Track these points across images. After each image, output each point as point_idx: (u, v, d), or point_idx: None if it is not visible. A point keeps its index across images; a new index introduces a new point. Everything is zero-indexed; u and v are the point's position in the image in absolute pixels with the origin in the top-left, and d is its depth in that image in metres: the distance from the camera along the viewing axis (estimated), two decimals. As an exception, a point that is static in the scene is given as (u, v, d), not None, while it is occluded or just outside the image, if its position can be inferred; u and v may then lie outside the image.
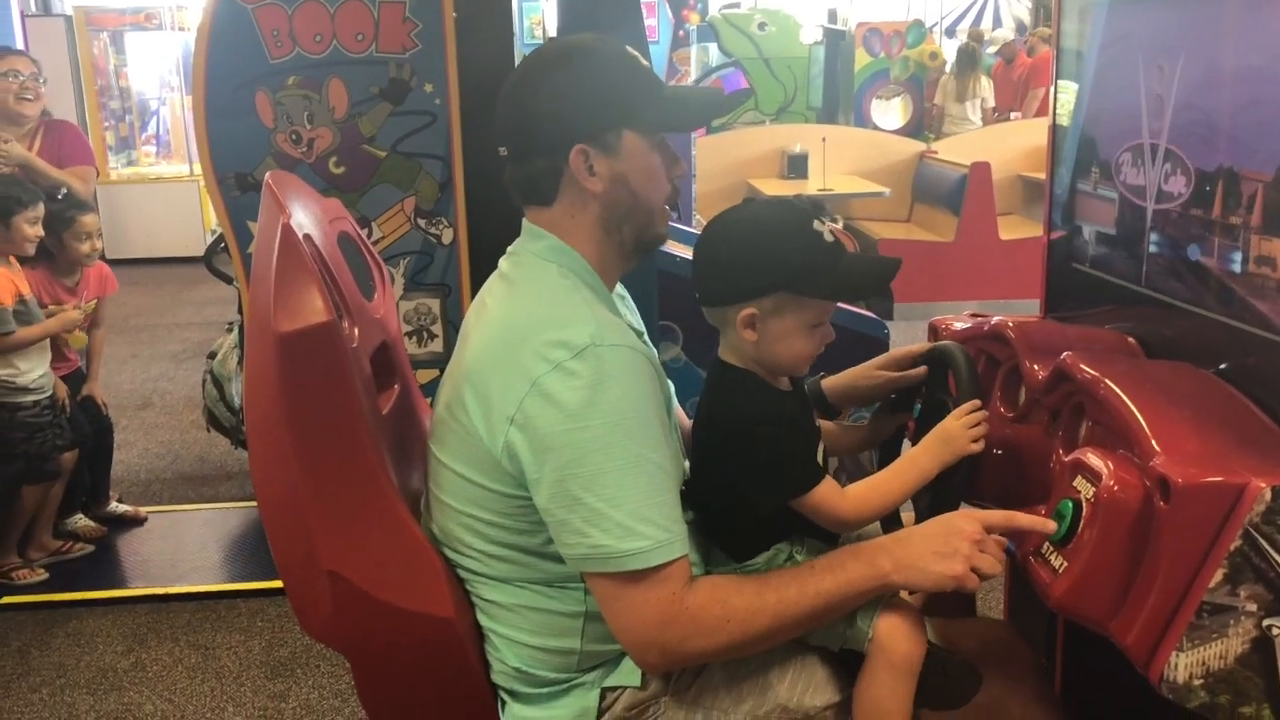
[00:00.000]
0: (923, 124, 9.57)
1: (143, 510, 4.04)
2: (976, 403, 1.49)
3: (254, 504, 3.87)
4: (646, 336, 1.61)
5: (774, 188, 7.09)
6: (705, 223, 1.52)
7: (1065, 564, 1.33)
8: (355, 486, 1.44)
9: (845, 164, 7.52)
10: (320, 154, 3.24)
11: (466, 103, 3.25)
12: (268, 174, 1.56)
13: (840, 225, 1.69)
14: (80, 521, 3.81)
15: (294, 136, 3.22)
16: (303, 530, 1.45)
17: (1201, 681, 1.24)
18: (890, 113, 9.91)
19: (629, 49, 1.47)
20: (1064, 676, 1.91)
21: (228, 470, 4.53)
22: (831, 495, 1.42)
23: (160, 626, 3.32)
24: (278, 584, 3.48)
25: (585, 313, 1.38)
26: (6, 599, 3.43)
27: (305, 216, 1.53)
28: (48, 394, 3.51)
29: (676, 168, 1.50)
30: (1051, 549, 1.37)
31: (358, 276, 1.67)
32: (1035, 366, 1.66)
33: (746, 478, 1.44)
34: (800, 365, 1.49)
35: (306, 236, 1.47)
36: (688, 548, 1.36)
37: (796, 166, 7.41)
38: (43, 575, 3.57)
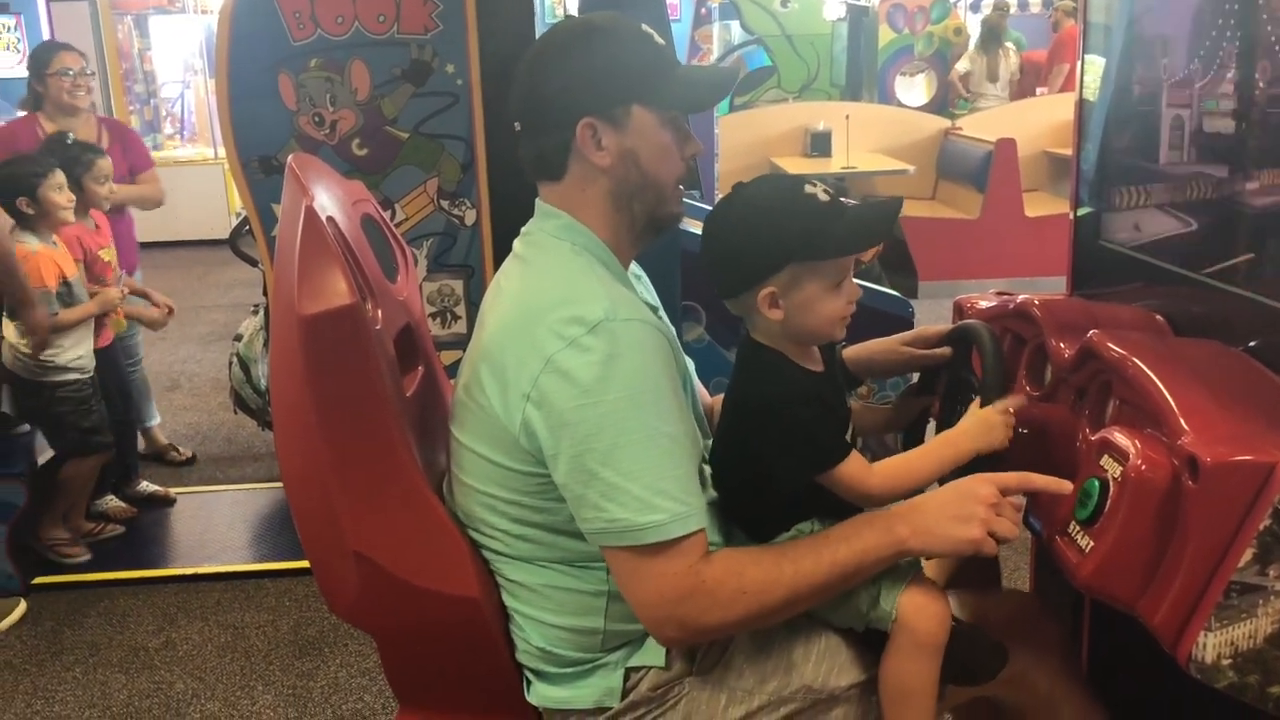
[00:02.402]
0: (947, 100, 9.48)
1: (172, 491, 4.08)
2: (1015, 400, 1.48)
3: (280, 485, 3.92)
4: (663, 313, 1.61)
5: (797, 166, 7.05)
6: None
7: (1092, 544, 1.32)
8: (380, 468, 1.44)
9: (869, 141, 7.47)
10: (343, 136, 3.25)
11: (488, 84, 3.25)
12: (290, 157, 1.56)
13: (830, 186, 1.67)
14: (111, 502, 3.86)
15: (317, 119, 3.23)
16: (328, 512, 1.46)
17: (1230, 661, 1.23)
18: (914, 89, 9.82)
19: (644, 27, 1.46)
20: (1091, 650, 1.90)
21: (254, 452, 4.57)
22: (859, 470, 1.41)
23: (190, 606, 3.36)
24: (305, 564, 3.50)
25: (599, 289, 1.39)
26: (40, 579, 3.48)
27: (328, 199, 1.53)
28: (89, 374, 3.52)
29: (690, 146, 1.48)
30: (1078, 528, 1.36)
31: (381, 258, 1.68)
32: (1062, 345, 1.65)
33: (774, 453, 1.43)
34: (835, 328, 1.47)
35: (330, 219, 1.47)
36: (705, 521, 1.36)
37: (819, 144, 7.36)
38: (87, 555, 3.61)
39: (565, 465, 1.34)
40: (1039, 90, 8.94)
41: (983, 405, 1.50)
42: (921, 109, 9.07)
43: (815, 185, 1.42)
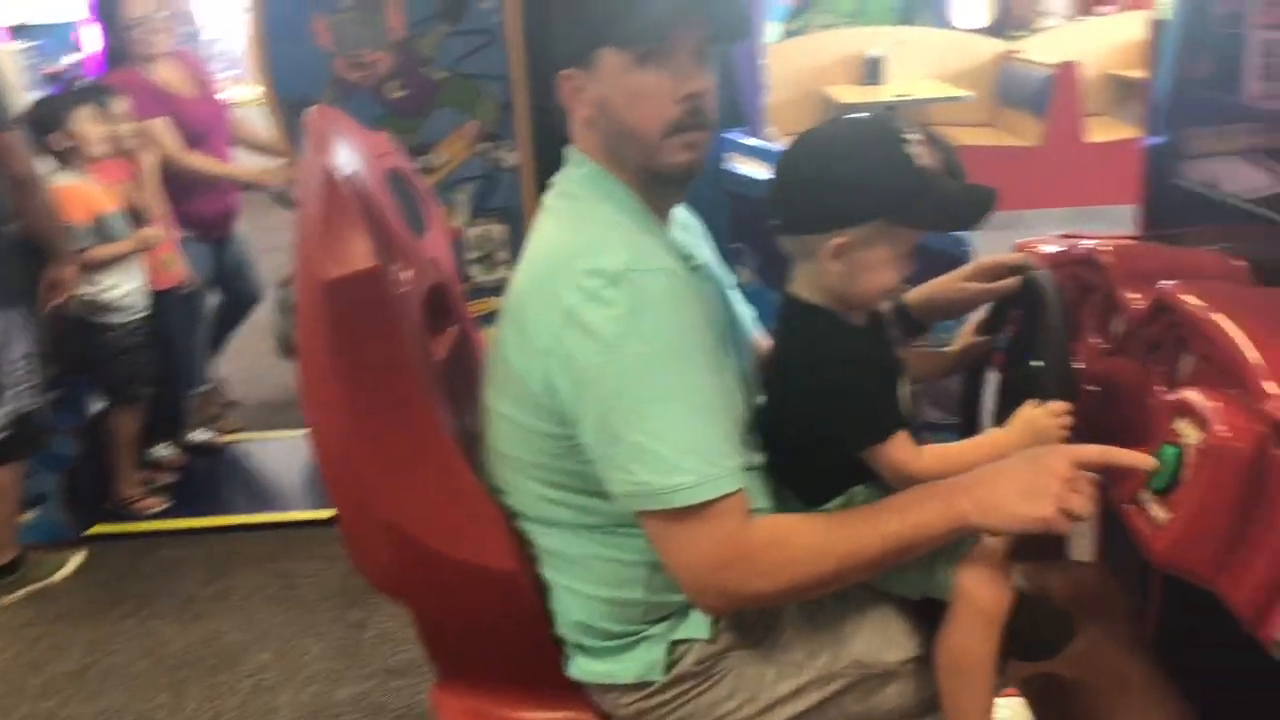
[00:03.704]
0: (1007, 21, 9.14)
1: (222, 438, 4.09)
2: (1069, 405, 1.37)
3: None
4: (711, 266, 1.52)
5: (851, 95, 6.84)
6: (780, 136, 1.40)
7: (1168, 516, 1.23)
8: (408, 436, 1.39)
9: (926, 68, 7.23)
10: (380, 79, 3.16)
11: (526, 19, 3.14)
12: (308, 111, 1.48)
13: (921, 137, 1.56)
14: (161, 451, 3.86)
15: (354, 61, 3.14)
16: (358, 480, 1.41)
17: (1317, 643, 1.14)
18: (972, 11, 9.46)
19: None
20: (1160, 624, 1.81)
21: (279, 399, 4.54)
22: (905, 452, 1.32)
23: (241, 555, 3.36)
24: (355, 513, 3.53)
25: (620, 237, 1.31)
26: (94, 529, 3.50)
27: (350, 155, 1.46)
28: (140, 313, 3.45)
29: (689, 84, 1.32)
30: (1152, 497, 1.27)
31: (408, 214, 1.60)
32: (1133, 295, 1.53)
33: (823, 421, 1.35)
34: (882, 298, 1.40)
35: (353, 176, 1.40)
36: (741, 482, 1.27)
37: (873, 71, 7.14)
38: (164, 504, 3.62)
39: (590, 424, 1.27)
40: (1104, 8, 8.58)
41: (1040, 400, 1.39)
42: (980, 32, 8.76)
43: (914, 145, 1.30)
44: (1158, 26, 1.86)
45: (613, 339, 1.24)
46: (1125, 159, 6.98)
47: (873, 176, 1.30)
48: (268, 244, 4.50)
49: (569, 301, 1.26)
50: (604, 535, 1.38)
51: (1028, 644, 1.38)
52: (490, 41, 3.14)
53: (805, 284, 1.40)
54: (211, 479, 3.87)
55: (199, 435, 4.04)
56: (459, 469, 1.41)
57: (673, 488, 1.23)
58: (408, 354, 1.37)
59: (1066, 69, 6.44)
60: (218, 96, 4.02)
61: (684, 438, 1.24)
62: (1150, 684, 1.49)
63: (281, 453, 4.04)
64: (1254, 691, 1.47)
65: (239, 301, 4.17)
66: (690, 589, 1.30)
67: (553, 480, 1.38)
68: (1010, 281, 1.58)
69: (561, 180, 1.43)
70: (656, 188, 1.40)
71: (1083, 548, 2.78)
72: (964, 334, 1.69)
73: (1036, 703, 1.78)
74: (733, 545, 1.25)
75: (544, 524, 1.42)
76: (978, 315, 1.71)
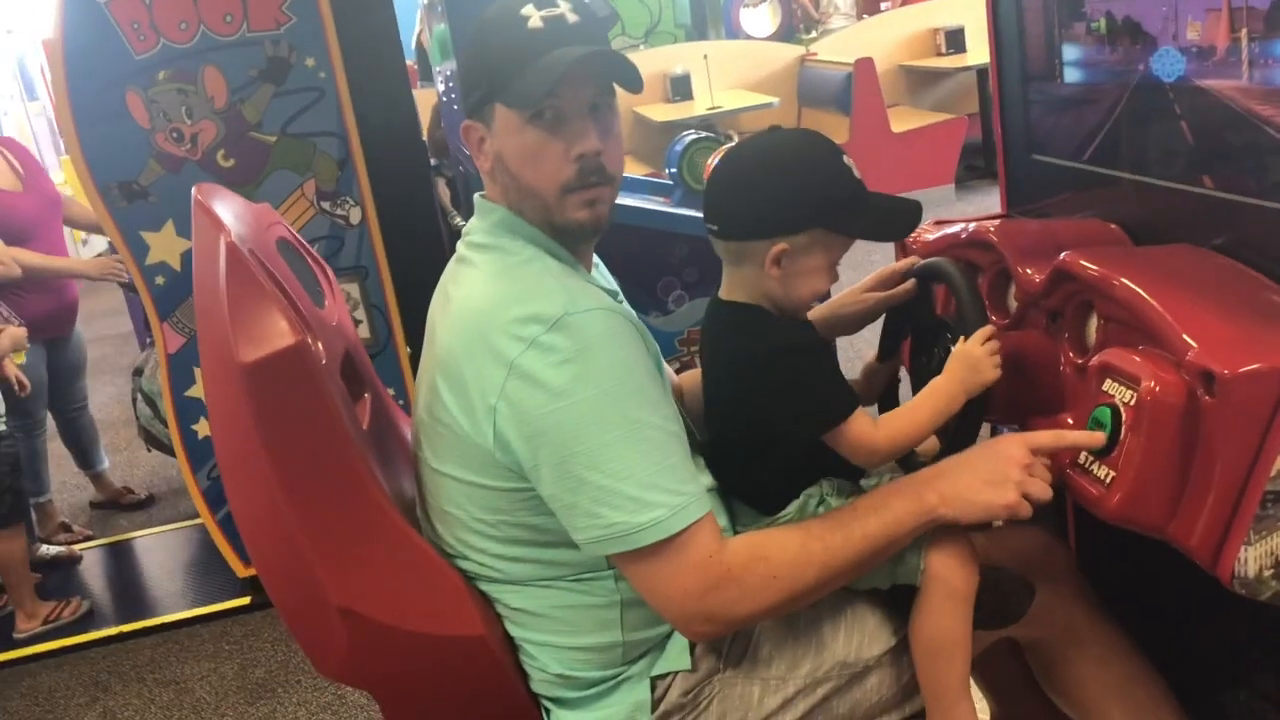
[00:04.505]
0: (793, 28, 9.48)
1: (77, 548, 3.83)
2: (991, 328, 1.42)
3: (196, 521, 3.72)
4: (622, 296, 1.52)
5: (663, 113, 6.95)
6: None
7: (1113, 474, 1.28)
8: (355, 514, 1.32)
9: (727, 79, 7.42)
10: (206, 149, 3.04)
11: (354, 73, 3.07)
12: (195, 187, 1.40)
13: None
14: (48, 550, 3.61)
15: (175, 134, 3.01)
16: (304, 570, 1.33)
17: (1271, 572, 1.21)
18: (760, 19, 9.78)
19: (523, 10, 1.29)
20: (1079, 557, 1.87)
21: (156, 490, 4.32)
22: (865, 425, 1.34)
23: (122, 668, 3.16)
24: (239, 602, 3.35)
25: (551, 282, 1.29)
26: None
27: (242, 228, 1.39)
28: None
29: (581, 144, 1.29)
30: (1092, 459, 1.32)
31: (304, 284, 1.53)
32: (1028, 270, 1.60)
33: (782, 407, 1.35)
34: (811, 305, 1.43)
35: (250, 251, 1.33)
36: (708, 506, 1.27)
37: (680, 88, 7.29)
38: (86, 605, 3.42)
39: (550, 475, 1.24)
40: (883, 5, 9.01)
41: (967, 339, 1.44)
42: (770, 39, 9.05)
43: (849, 158, 1.35)
44: (996, 12, 1.94)
45: (560, 386, 1.21)
46: (931, 144, 7.35)
47: (814, 186, 1.33)
48: (88, 333, 4.26)
49: (509, 354, 1.23)
50: (570, 584, 1.35)
51: (994, 613, 1.42)
52: (320, 98, 3.05)
53: (739, 289, 1.41)
54: (73, 592, 3.59)
55: (49, 550, 3.77)
56: (408, 539, 1.36)
57: (645, 524, 1.21)
58: (340, 428, 1.31)
59: (864, 65, 6.72)
60: (46, 182, 3.79)
61: (647, 473, 1.22)
62: (1099, 632, 1.55)
63: (144, 552, 3.81)
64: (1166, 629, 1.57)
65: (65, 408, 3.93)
66: (678, 619, 1.28)
67: (510, 537, 1.34)
68: (908, 285, 1.63)
69: (474, 228, 1.40)
70: (565, 241, 1.37)
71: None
72: (866, 366, 1.72)
73: (986, 670, 1.82)
74: (715, 568, 1.24)
75: (506, 583, 1.37)
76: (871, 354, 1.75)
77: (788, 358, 1.35)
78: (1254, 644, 1.78)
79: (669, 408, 1.31)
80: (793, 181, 1.33)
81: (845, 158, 1.35)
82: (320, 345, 1.40)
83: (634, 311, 1.52)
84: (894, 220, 1.38)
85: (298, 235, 1.65)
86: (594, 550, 1.27)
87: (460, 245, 1.41)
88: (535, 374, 1.21)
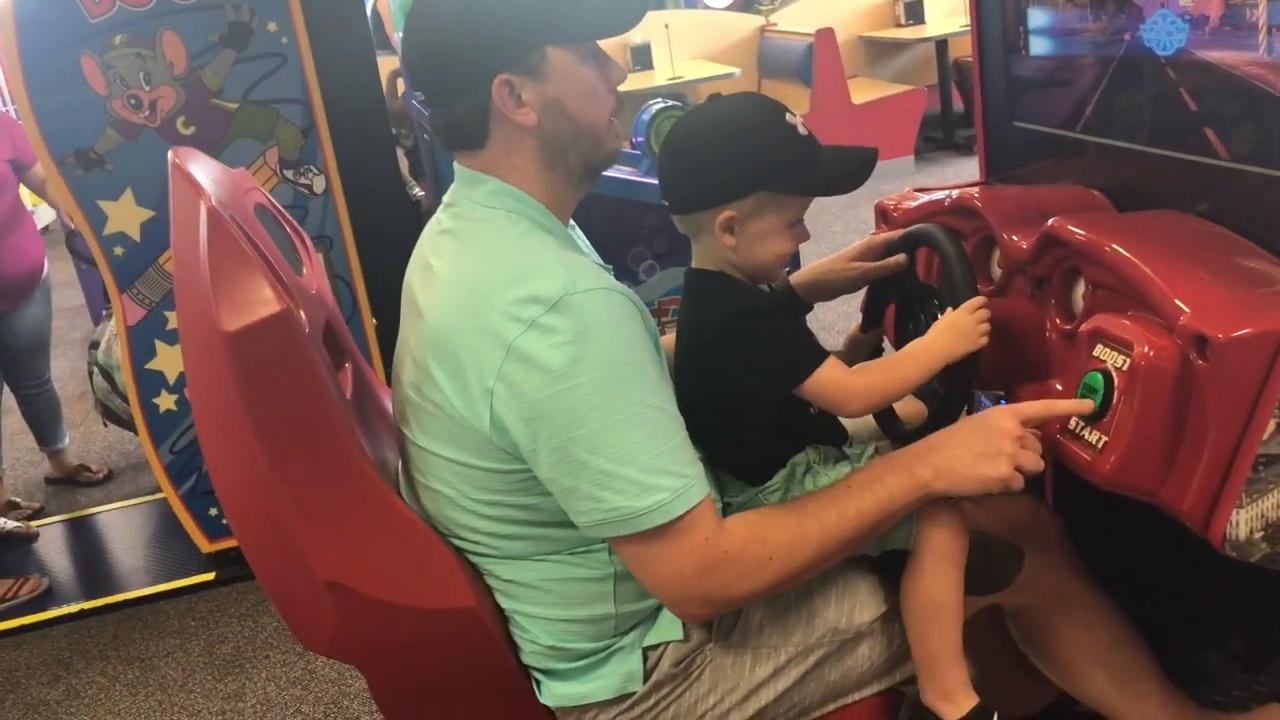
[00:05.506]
0: (752, -2, 9.43)
1: (33, 525, 3.75)
2: (982, 299, 1.41)
3: (158, 496, 3.65)
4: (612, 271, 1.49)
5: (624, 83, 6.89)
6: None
7: (1105, 439, 1.29)
8: (342, 486, 1.30)
9: (689, 49, 7.37)
10: (165, 116, 2.96)
11: (317, 38, 3.01)
12: (170, 151, 1.36)
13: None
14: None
15: (133, 101, 2.93)
16: (290, 543, 1.30)
17: (1262, 534, 1.22)
18: (719, -12, 9.71)
19: None
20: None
21: (114, 465, 4.24)
22: (842, 376, 1.33)
23: (85, 646, 3.10)
24: (205, 578, 3.31)
25: (550, 260, 1.25)
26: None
27: (222, 194, 1.35)
28: None
29: (615, 73, 1.35)
30: (1084, 425, 1.33)
31: (282, 251, 1.50)
32: (1014, 236, 1.60)
33: (749, 371, 1.35)
34: (780, 267, 1.41)
35: (231, 217, 1.29)
36: (708, 488, 1.26)
37: (641, 58, 7.23)
38: (45, 582, 3.37)
39: (549, 459, 1.22)
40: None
41: (955, 308, 1.43)
42: (729, 9, 8.99)
43: (795, 116, 1.33)
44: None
45: (560, 369, 1.18)
46: (891, 115, 7.34)
47: (750, 150, 1.32)
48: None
49: (508, 335, 1.19)
50: (563, 558, 1.34)
51: (983, 579, 1.42)
52: (282, 64, 2.99)
53: (705, 258, 1.41)
54: (31, 569, 3.53)
55: (5, 524, 3.69)
56: (397, 511, 1.33)
57: (647, 508, 1.20)
58: (326, 397, 1.28)
59: (824, 36, 6.69)
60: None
61: (649, 457, 1.21)
62: (1085, 598, 1.56)
63: (105, 528, 3.74)
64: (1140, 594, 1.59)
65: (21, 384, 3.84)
66: (673, 601, 1.27)
67: (504, 516, 1.31)
68: (897, 258, 1.62)
69: (460, 199, 1.35)
70: (580, 189, 1.37)
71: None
72: (849, 337, 1.72)
73: (968, 636, 1.83)
74: (712, 550, 1.23)
75: (498, 557, 1.35)
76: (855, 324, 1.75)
77: (742, 322, 1.35)
78: (1225, 608, 1.81)
79: (668, 388, 1.29)
80: (729, 146, 1.32)
81: (789, 116, 1.34)
82: (303, 313, 1.37)
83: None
84: (844, 173, 1.36)
85: (274, 201, 1.60)
86: (594, 533, 1.25)
87: (443, 215, 1.37)
88: (535, 356, 1.19)
